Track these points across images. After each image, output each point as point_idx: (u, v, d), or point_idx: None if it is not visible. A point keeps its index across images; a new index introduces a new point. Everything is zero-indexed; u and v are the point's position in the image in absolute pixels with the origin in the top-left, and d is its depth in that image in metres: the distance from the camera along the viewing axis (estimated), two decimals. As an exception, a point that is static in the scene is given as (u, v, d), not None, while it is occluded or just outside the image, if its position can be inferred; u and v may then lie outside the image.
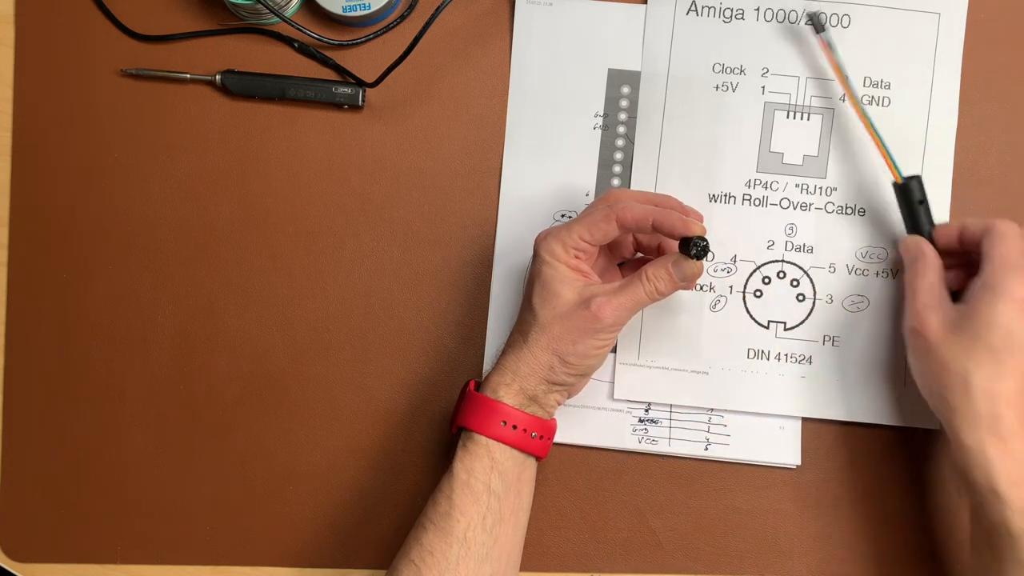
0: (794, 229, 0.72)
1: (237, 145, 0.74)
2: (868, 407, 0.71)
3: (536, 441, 0.64)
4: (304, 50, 0.74)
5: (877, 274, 0.72)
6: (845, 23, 0.72)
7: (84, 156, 0.73)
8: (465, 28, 0.74)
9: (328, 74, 0.74)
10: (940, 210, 0.71)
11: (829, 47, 0.69)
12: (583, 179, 0.73)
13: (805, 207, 0.72)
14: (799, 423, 0.72)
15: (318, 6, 0.72)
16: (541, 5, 0.73)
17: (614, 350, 0.72)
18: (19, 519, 0.73)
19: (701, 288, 0.72)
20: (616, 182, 0.73)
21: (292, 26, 0.72)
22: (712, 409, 0.72)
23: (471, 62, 0.74)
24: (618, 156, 0.73)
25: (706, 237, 0.62)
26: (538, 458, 0.66)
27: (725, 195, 0.72)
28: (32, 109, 0.74)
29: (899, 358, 0.71)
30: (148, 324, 0.73)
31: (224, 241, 0.73)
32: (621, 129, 0.73)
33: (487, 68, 0.74)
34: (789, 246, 0.72)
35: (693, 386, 0.72)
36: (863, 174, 0.72)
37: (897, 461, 0.72)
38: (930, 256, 0.65)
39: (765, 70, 0.72)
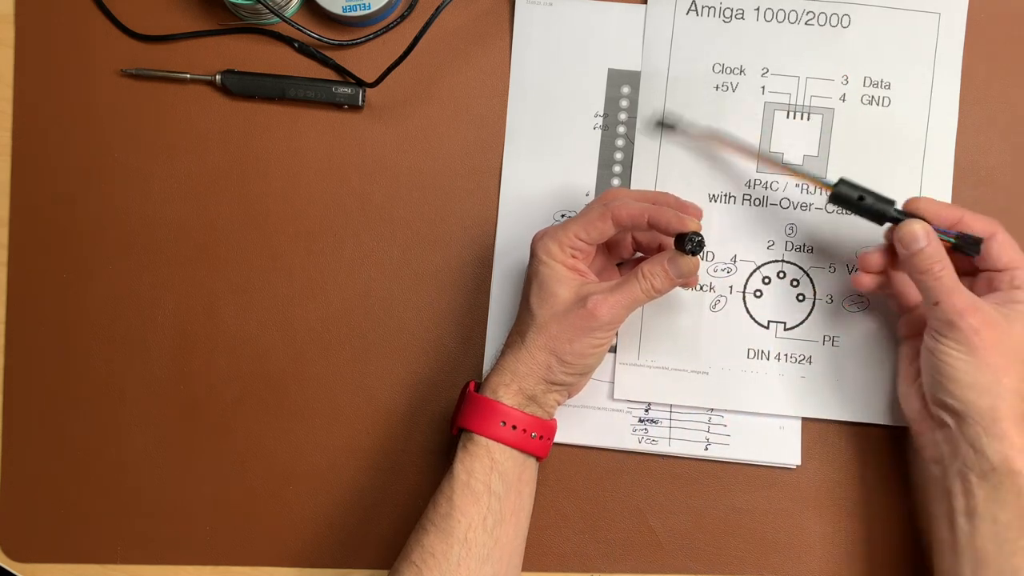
0: (794, 229, 0.72)
1: (237, 145, 0.74)
2: (868, 407, 0.71)
3: (536, 441, 0.64)
4: (304, 50, 0.74)
5: (877, 274, 0.72)
6: (845, 23, 0.72)
7: (84, 156, 0.73)
8: (465, 28, 0.74)
9: (328, 74, 0.74)
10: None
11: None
12: (583, 179, 0.73)
13: (805, 207, 0.72)
14: (799, 423, 0.72)
15: (318, 6, 0.72)
16: (541, 5, 0.73)
17: (613, 350, 0.72)
18: (19, 519, 0.73)
19: (701, 288, 0.72)
20: (616, 182, 0.73)
21: (292, 26, 0.72)
22: (712, 409, 0.72)
23: (471, 62, 0.74)
24: (618, 156, 0.73)
25: (701, 232, 0.62)
26: (538, 458, 0.66)
27: (725, 195, 0.72)
28: (32, 109, 0.74)
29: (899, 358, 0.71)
30: (148, 324, 0.73)
31: (224, 241, 0.73)
32: (621, 129, 0.73)
33: (487, 68, 0.74)
34: (789, 246, 0.72)
35: (693, 386, 0.72)
36: (863, 174, 0.71)
37: (897, 461, 0.71)
38: (935, 243, 0.63)
39: (765, 70, 0.72)
